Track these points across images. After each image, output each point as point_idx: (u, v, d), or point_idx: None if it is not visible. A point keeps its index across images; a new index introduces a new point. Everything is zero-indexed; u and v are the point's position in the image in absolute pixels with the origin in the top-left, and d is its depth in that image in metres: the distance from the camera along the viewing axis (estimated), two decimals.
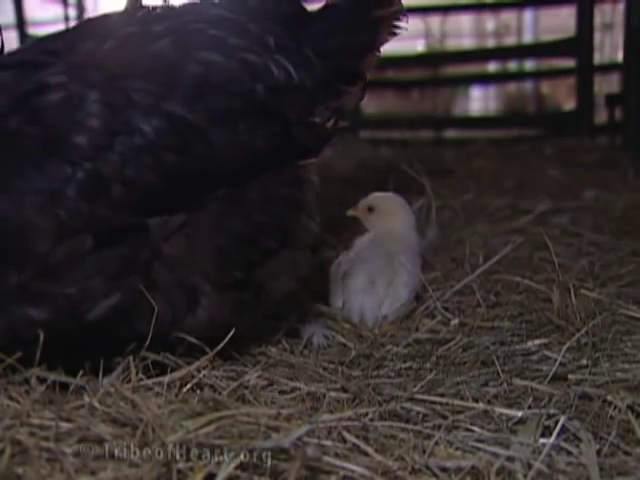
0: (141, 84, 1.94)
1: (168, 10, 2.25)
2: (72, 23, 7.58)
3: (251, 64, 2.11)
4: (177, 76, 2.00)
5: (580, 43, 6.61)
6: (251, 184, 2.10)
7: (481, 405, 1.92)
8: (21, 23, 7.00)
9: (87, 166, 1.84)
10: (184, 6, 2.30)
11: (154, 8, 2.26)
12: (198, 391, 1.88)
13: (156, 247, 1.94)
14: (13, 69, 1.96)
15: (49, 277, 1.84)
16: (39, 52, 2.04)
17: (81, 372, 1.90)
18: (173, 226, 1.95)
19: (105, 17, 2.23)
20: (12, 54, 2.13)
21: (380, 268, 2.59)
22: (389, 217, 2.76)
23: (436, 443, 1.72)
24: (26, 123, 1.86)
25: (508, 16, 13.52)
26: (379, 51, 2.44)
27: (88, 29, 2.18)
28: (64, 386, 1.87)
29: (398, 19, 2.44)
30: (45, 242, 1.82)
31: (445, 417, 1.86)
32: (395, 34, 2.45)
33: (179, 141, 1.95)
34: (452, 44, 12.84)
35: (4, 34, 2.23)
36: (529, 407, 1.91)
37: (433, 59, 9.49)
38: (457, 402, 1.94)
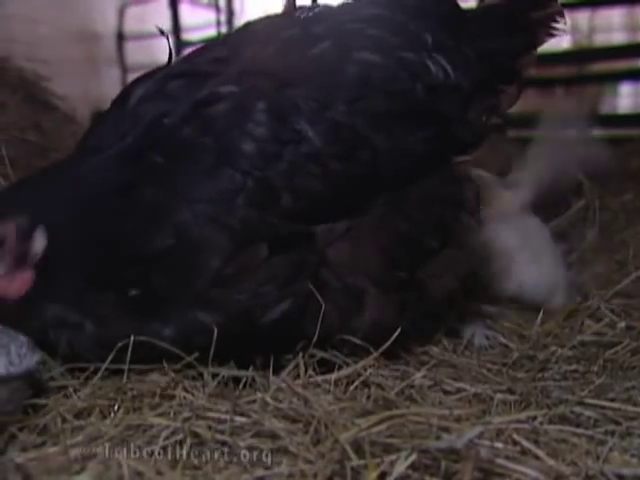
0: (306, 90, 1.95)
1: (325, 10, 2.25)
2: (223, 27, 7.74)
3: (410, 63, 2.09)
4: (339, 80, 2.00)
5: None
6: (412, 185, 2.08)
7: None
8: (177, 29, 7.21)
9: (257, 175, 1.87)
10: (341, 6, 2.30)
11: (311, 8, 2.27)
12: (365, 389, 1.87)
13: (322, 253, 1.95)
14: (185, 78, 2.01)
15: (223, 286, 1.87)
16: (208, 61, 2.09)
17: (251, 368, 1.93)
18: (338, 232, 1.96)
19: (265, 20, 2.25)
20: (182, 62, 2.19)
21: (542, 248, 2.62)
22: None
23: (610, 449, 1.65)
24: (198, 133, 1.90)
25: None
26: (536, 51, 2.42)
27: (250, 34, 2.21)
28: (235, 381, 1.91)
29: (556, 20, 2.40)
30: (219, 256, 1.85)
31: (618, 423, 1.80)
32: (553, 35, 2.42)
33: (344, 148, 1.96)
34: (601, 39, 12.39)
35: (161, 40, 2.30)
36: None
37: (580, 56, 9.19)
38: (630, 408, 1.86)
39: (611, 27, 14.24)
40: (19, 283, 1.86)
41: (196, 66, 2.09)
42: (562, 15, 2.40)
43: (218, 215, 1.85)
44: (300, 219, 1.92)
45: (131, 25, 9.25)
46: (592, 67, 9.19)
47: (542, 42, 2.42)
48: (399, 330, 1.97)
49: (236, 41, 2.21)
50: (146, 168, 1.90)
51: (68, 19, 11.63)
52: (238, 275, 1.87)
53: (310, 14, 2.22)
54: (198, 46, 2.38)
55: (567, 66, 8.96)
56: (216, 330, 1.83)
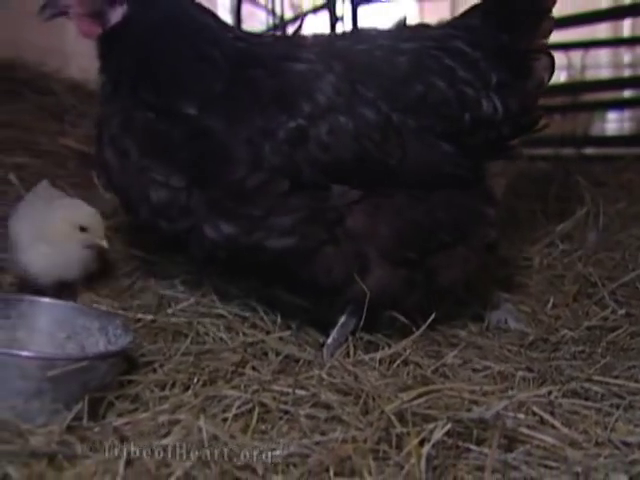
0: (370, 82, 1.91)
1: (419, 32, 2.15)
2: None
3: (466, 97, 1.99)
4: (402, 87, 1.94)
5: None
6: (437, 190, 1.98)
7: None
8: None
9: (300, 122, 1.83)
10: (432, 30, 2.16)
11: (412, 27, 2.20)
12: (406, 367, 1.81)
13: (339, 213, 1.88)
14: (283, 42, 2.08)
15: (241, 198, 1.83)
16: (302, 37, 2.12)
17: (308, 349, 1.88)
18: (351, 198, 1.88)
19: (370, 29, 2.19)
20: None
21: None
22: None
23: (616, 420, 1.60)
24: (268, 76, 1.88)
25: None
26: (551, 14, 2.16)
27: (351, 34, 2.21)
28: (295, 360, 1.85)
29: None
30: (245, 166, 1.82)
31: (622, 397, 1.73)
32: None
33: (379, 136, 1.89)
34: (591, 74, 12.30)
35: None
36: None
37: (574, 88, 9.04)
38: (632, 384, 1.79)
39: (599, 65, 14.09)
40: (88, 28, 1.94)
41: (290, 40, 2.15)
42: None
43: (258, 136, 1.82)
44: (321, 171, 1.86)
45: None
46: (584, 97, 9.00)
47: (552, 3, 2.15)
48: (403, 304, 1.94)
49: (337, 36, 2.21)
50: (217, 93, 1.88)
51: None
52: (257, 193, 1.83)
53: (405, 33, 2.14)
54: None
55: (563, 96, 8.79)
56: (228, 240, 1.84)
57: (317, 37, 2.12)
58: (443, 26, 2.18)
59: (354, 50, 1.99)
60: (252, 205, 1.83)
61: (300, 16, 6.85)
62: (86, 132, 3.57)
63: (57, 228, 2.04)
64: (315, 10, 6.30)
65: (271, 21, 6.77)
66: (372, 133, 1.88)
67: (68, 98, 3.97)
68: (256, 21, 7.21)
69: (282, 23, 6.96)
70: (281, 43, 2.07)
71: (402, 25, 2.21)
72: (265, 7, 6.80)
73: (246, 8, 7.40)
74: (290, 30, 7.03)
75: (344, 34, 2.24)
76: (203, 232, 1.87)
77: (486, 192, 2.09)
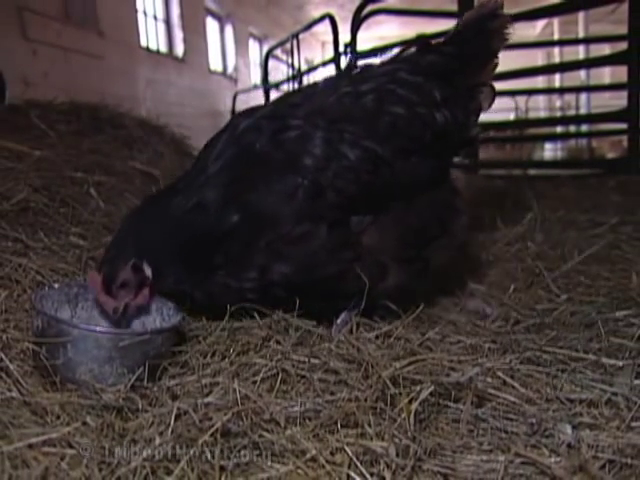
0: (350, 127, 1.79)
1: (370, 72, 1.98)
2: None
3: (423, 116, 1.88)
4: (375, 123, 1.83)
5: (630, 112, 5.74)
6: (419, 195, 1.89)
7: (591, 356, 1.68)
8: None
9: (311, 178, 1.72)
10: (380, 68, 2.00)
11: (361, 69, 2.04)
12: (398, 341, 1.73)
13: (358, 236, 1.79)
14: (269, 118, 1.85)
15: (294, 245, 1.73)
16: (287, 105, 1.92)
17: (321, 327, 1.80)
18: (366, 223, 1.79)
19: (331, 78, 2.06)
20: (270, 105, 2.02)
21: None
22: None
23: (562, 381, 1.52)
24: (275, 150, 1.76)
25: (570, 97, 12.97)
26: (497, 56, 2.04)
27: (318, 87, 1.99)
28: (310, 335, 1.76)
29: (507, 27, 2.01)
30: (288, 223, 1.71)
31: (566, 363, 1.64)
32: (507, 40, 2.02)
33: (372, 166, 1.78)
34: (532, 115, 12.34)
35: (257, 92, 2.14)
36: (625, 358, 1.67)
37: (520, 124, 9.03)
38: (574, 353, 1.69)
39: (539, 107, 14.17)
40: (144, 297, 1.69)
41: (278, 110, 1.91)
42: (511, 22, 2.02)
43: (285, 200, 1.71)
44: (340, 210, 1.76)
45: (240, 105, 9.27)
46: (528, 131, 8.96)
47: (499, 48, 2.02)
48: (413, 292, 1.85)
49: (308, 92, 1.99)
50: (238, 174, 1.76)
51: (203, 103, 12.00)
52: (302, 240, 1.73)
53: (359, 75, 1.98)
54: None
55: (512, 130, 8.76)
56: (286, 278, 1.73)
57: (300, 96, 1.97)
58: (386, 64, 2.04)
59: (329, 103, 1.85)
60: (300, 248, 1.74)
61: (313, 68, 6.82)
62: (149, 157, 3.54)
63: None
64: (324, 64, 6.29)
65: (290, 73, 6.76)
66: (365, 165, 1.78)
67: (136, 131, 3.98)
68: (279, 73, 7.22)
69: (299, 74, 6.95)
70: (276, 113, 1.88)
71: (350, 69, 2.09)
72: (286, 62, 6.75)
73: (271, 63, 7.41)
74: (304, 79, 7.02)
75: (312, 88, 2.05)
76: (269, 277, 1.75)
77: (452, 186, 2.00)
